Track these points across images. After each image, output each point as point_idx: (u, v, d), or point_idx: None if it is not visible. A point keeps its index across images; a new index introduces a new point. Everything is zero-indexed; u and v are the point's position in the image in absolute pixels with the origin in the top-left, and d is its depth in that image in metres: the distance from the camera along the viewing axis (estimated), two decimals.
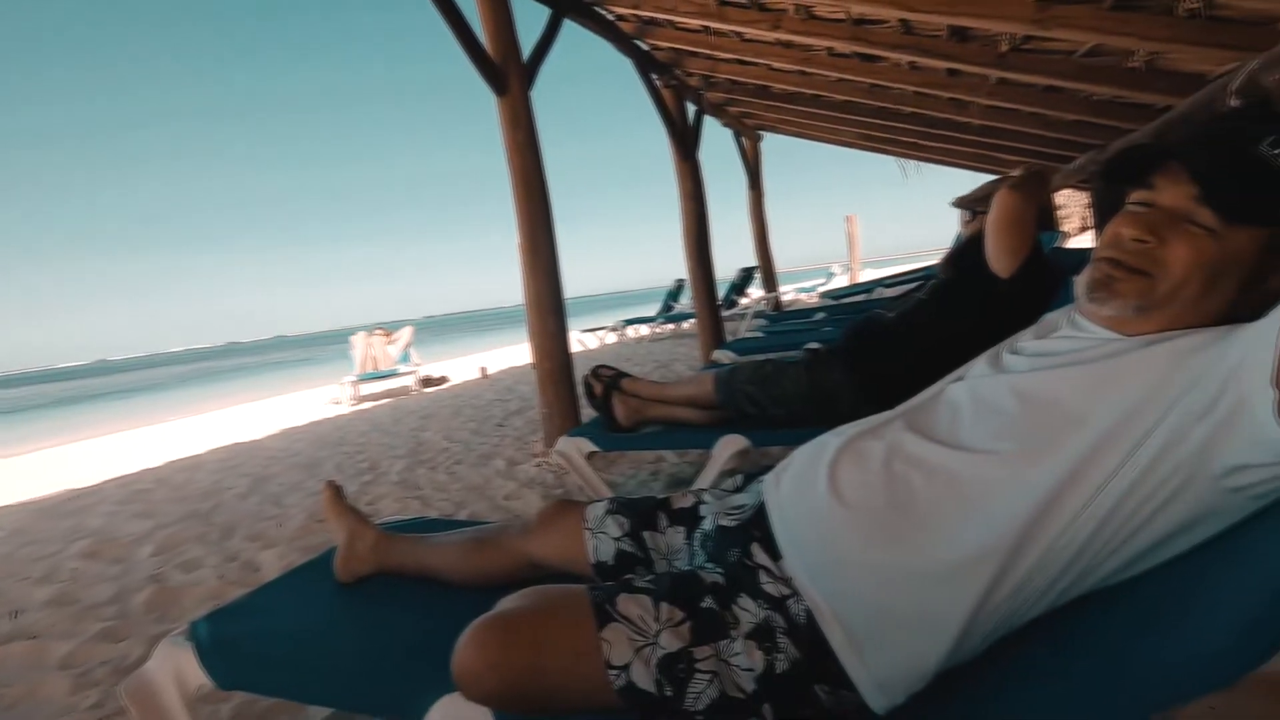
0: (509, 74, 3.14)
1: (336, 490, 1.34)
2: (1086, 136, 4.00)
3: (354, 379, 7.87)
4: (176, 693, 1.02)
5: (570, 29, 3.86)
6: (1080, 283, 0.82)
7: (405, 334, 8.57)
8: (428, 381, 8.42)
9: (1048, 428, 0.71)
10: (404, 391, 8.06)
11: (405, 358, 8.35)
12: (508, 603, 0.80)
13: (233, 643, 1.05)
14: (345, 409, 7.31)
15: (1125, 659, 0.63)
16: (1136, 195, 0.78)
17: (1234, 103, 2.18)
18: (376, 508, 2.87)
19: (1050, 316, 0.90)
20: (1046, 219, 4.32)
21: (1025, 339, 0.88)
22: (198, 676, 1.00)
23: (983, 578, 0.69)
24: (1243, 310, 0.73)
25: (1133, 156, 0.78)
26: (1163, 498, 0.64)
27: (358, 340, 8.34)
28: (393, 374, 8.09)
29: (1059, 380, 0.75)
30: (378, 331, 8.47)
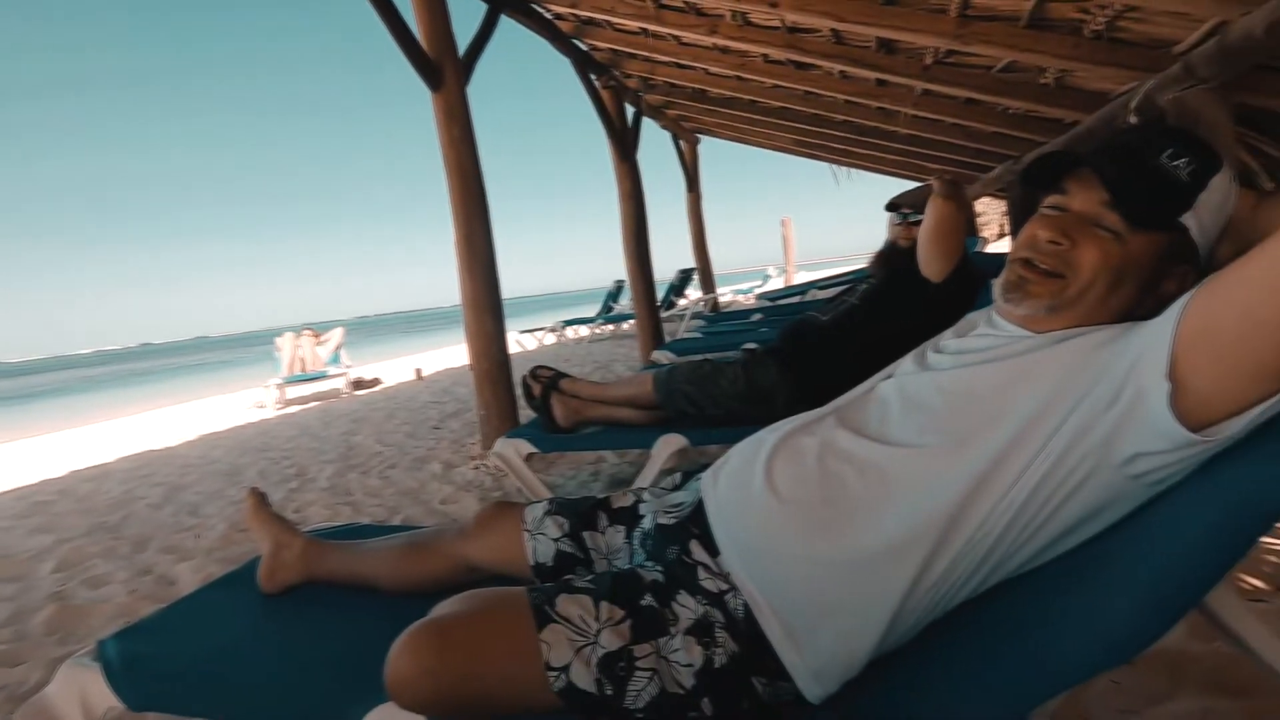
0: (444, 69, 3.08)
1: (260, 497, 1.28)
2: (1003, 148, 4.23)
3: (280, 382, 7.52)
4: (81, 717, 0.95)
5: (509, 26, 3.81)
6: (997, 284, 0.86)
7: (336, 335, 8.25)
8: (359, 384, 8.14)
9: (969, 422, 0.75)
10: (334, 394, 7.77)
11: (335, 359, 8.04)
12: (444, 607, 0.78)
13: (145, 661, 0.99)
14: (270, 413, 6.98)
15: (1041, 640, 0.67)
16: (1050, 200, 0.83)
17: (1133, 119, 2.35)
18: (305, 515, 2.76)
19: (970, 316, 0.94)
20: (967, 225, 4.55)
21: (947, 338, 0.92)
22: (106, 698, 0.93)
23: (911, 565, 0.72)
24: (1141, 310, 0.78)
25: (1048, 163, 0.83)
26: (1072, 485, 0.68)
27: (284, 341, 7.96)
28: (322, 376, 7.77)
29: (978, 377, 0.79)
30: (306, 332, 8.12)
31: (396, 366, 10.49)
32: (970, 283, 1.94)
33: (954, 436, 0.75)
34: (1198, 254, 0.77)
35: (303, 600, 1.16)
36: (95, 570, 2.41)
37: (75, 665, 0.97)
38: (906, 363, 0.91)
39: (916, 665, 0.75)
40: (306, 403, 7.44)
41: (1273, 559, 1.47)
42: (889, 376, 0.92)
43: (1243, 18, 1.68)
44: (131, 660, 0.98)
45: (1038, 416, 0.71)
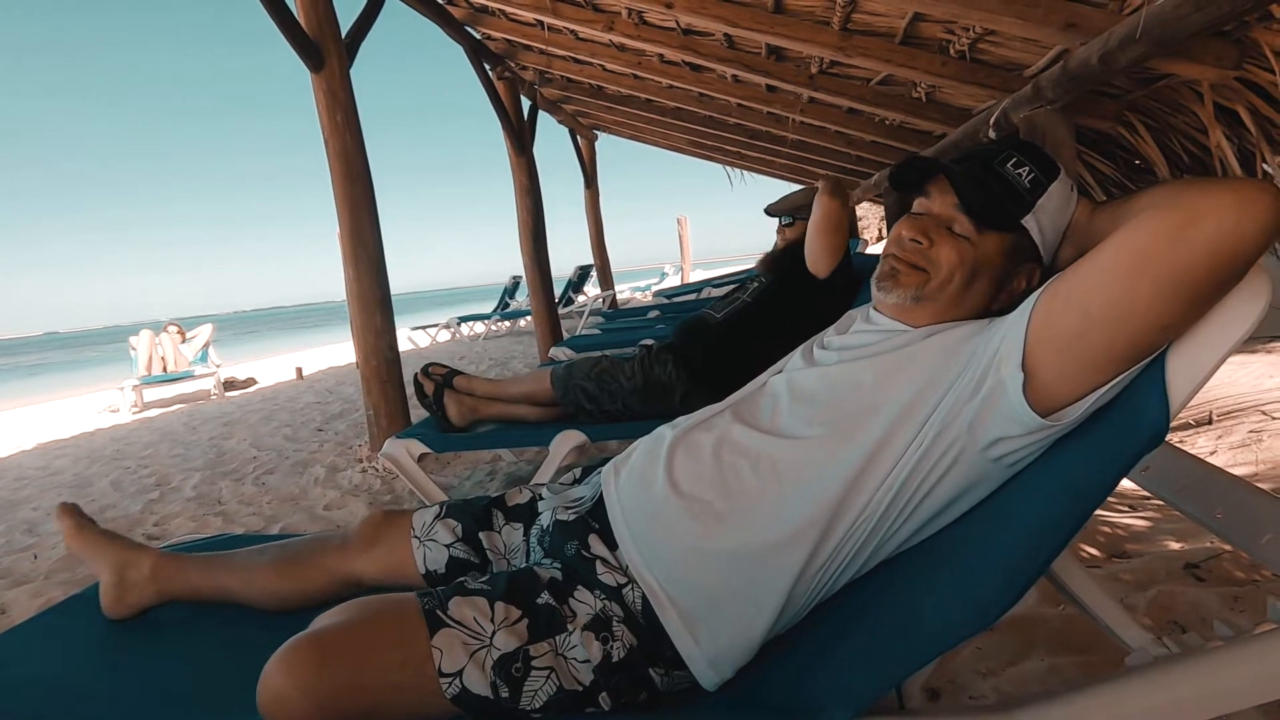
0: (326, 49, 2.90)
1: (76, 514, 1.11)
2: (881, 156, 4.51)
3: (136, 383, 6.81)
4: None
5: (398, 9, 3.65)
6: (874, 277, 0.92)
7: (204, 331, 7.57)
8: (232, 384, 7.53)
9: (851, 415, 0.80)
10: (203, 396, 7.15)
11: (203, 358, 7.38)
12: (325, 619, 0.74)
13: None
14: (125, 418, 6.32)
15: (914, 612, 0.72)
16: (917, 203, 0.90)
17: (991, 134, 2.57)
18: (166, 529, 2.52)
19: (851, 313, 1.00)
20: (851, 227, 4.83)
21: (830, 334, 0.97)
22: None
23: (802, 551, 0.75)
24: (997, 305, 0.87)
25: (910, 168, 0.90)
26: (943, 469, 0.74)
27: (141, 339, 7.21)
28: (187, 376, 7.10)
29: (859, 370, 0.84)
30: (170, 327, 7.38)
31: (276, 365, 9.81)
32: (852, 280, 2.05)
33: (838, 427, 0.79)
34: (1041, 254, 0.85)
35: (159, 622, 1.05)
36: None
37: None
38: (795, 358, 0.95)
39: (803, 645, 0.78)
40: (169, 405, 6.80)
41: (1106, 530, 1.66)
42: (779, 372, 0.95)
43: (1081, 46, 1.88)
44: None
45: (912, 405, 0.76)
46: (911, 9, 2.32)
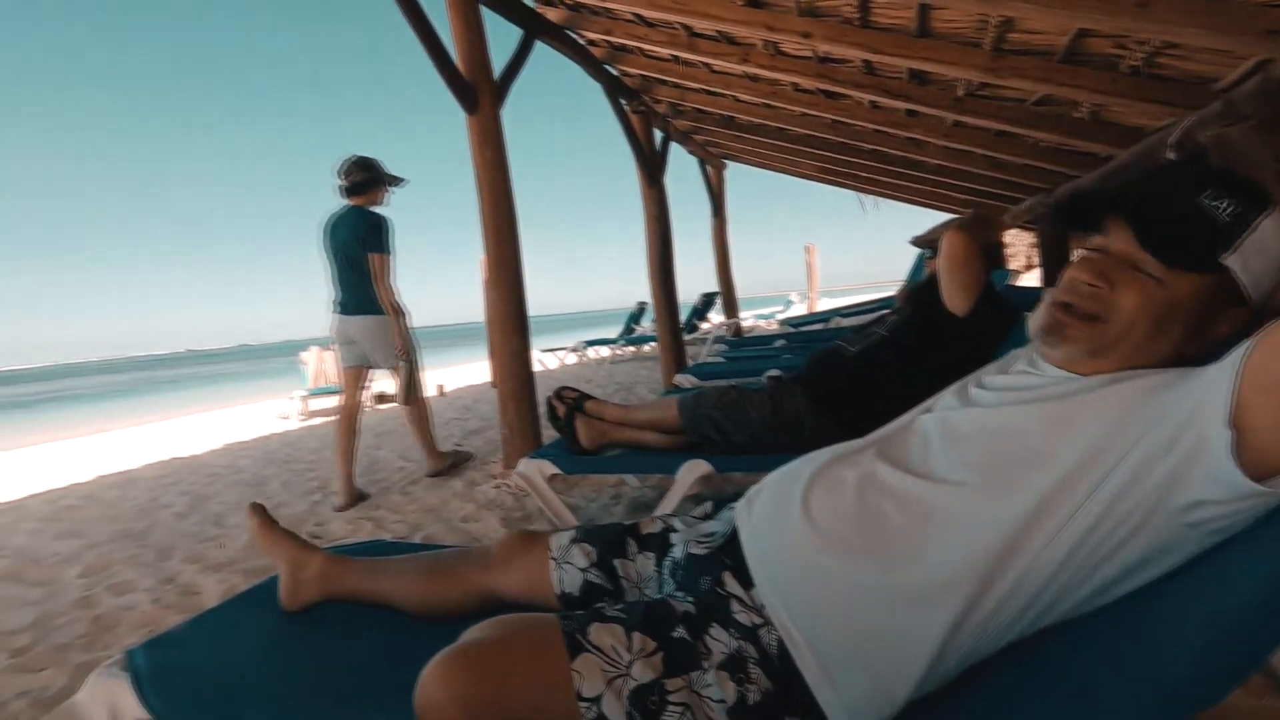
0: (480, 92, 3.14)
1: (263, 514, 1.25)
2: (1034, 180, 4.20)
3: (304, 394, 7.61)
4: None
5: (543, 51, 3.89)
6: (1032, 325, 0.85)
7: None
8: (383, 398, 8.22)
9: (1013, 462, 0.73)
10: None
11: None
12: (474, 632, 0.78)
13: (173, 673, 0.99)
14: (294, 424, 7.07)
15: (1087, 689, 0.65)
16: (1091, 241, 0.81)
17: (1170, 155, 2.32)
18: (327, 529, 2.77)
19: (1015, 352, 0.93)
20: (997, 258, 4.51)
21: (991, 373, 0.90)
22: (134, 709, 0.93)
23: (953, 605, 0.70)
24: (1191, 354, 0.76)
25: (1085, 203, 0.81)
26: (1125, 533, 0.66)
27: (310, 354, 8.08)
28: None
29: (1024, 416, 0.78)
30: (334, 346, 8.23)
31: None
32: (998, 317, 1.91)
33: (998, 476, 0.73)
34: (1248, 297, 0.75)
35: (325, 619, 1.16)
36: (120, 577, 2.44)
37: (105, 675, 0.98)
38: (947, 396, 0.90)
39: (957, 710, 0.73)
40: (330, 415, 7.52)
41: None
42: (928, 410, 0.90)
43: None
44: (159, 672, 0.98)
45: (1087, 460, 0.69)
46: (1076, 25, 2.16)
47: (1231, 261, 0.73)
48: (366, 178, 3.19)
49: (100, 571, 2.54)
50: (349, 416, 3.23)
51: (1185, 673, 0.58)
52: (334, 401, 8.01)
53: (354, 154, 3.24)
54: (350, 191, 3.19)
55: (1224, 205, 0.73)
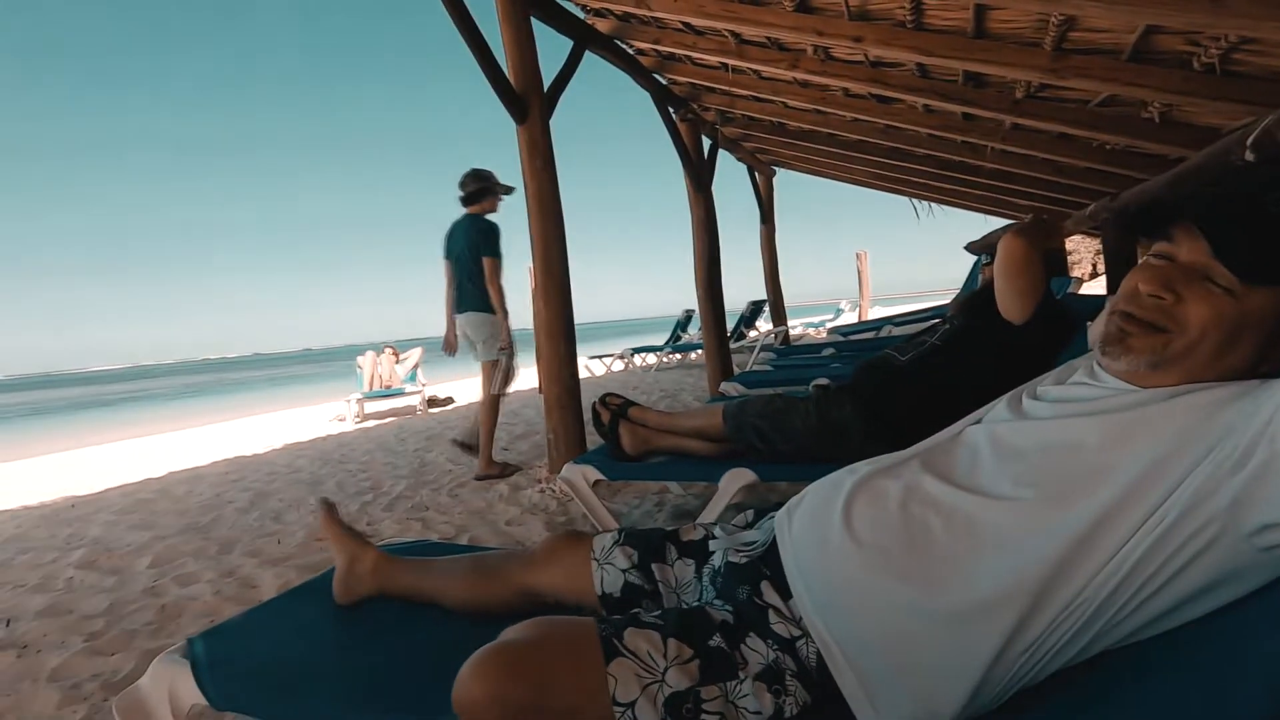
0: (530, 102, 3.20)
1: (330, 509, 1.32)
2: (1098, 184, 4.03)
3: (360, 396, 7.87)
4: (170, 711, 1.00)
5: (591, 60, 3.94)
6: (1094, 335, 0.80)
7: (415, 354, 8.59)
8: (433, 402, 8.41)
9: (1070, 476, 0.70)
10: (409, 411, 8.06)
11: (412, 377, 8.37)
12: (512, 632, 0.79)
13: (230, 662, 1.04)
14: (349, 426, 7.30)
15: None
16: (1157, 248, 0.76)
17: (1249, 157, 2.19)
18: (377, 529, 2.85)
19: (1073, 363, 0.89)
20: (1058, 265, 4.33)
21: (1046, 384, 0.86)
22: (192, 695, 0.98)
23: (1002, 626, 0.67)
24: (1265, 369, 0.72)
25: (1152, 210, 0.77)
26: (1190, 553, 0.62)
27: (366, 359, 8.36)
28: (399, 393, 8.09)
29: (1081, 428, 0.74)
30: (387, 350, 8.50)
31: (468, 386, 10.79)
32: (1056, 326, 1.84)
33: (1051, 491, 0.70)
34: None
35: (375, 614, 1.20)
36: (186, 568, 2.56)
37: (167, 661, 1.03)
38: (1000, 408, 0.86)
39: None
40: (383, 418, 7.75)
41: None
42: (978, 421, 0.87)
43: None
44: (217, 660, 1.03)
45: (1149, 476, 0.65)
46: (1143, 22, 2.07)
47: None
48: (479, 188, 3.53)
49: (168, 562, 2.67)
50: (489, 400, 3.60)
51: (1258, 710, 0.55)
52: (386, 405, 8.30)
53: (471, 167, 3.62)
54: (466, 201, 3.55)
55: None
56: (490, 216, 3.57)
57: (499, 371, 3.56)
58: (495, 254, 3.47)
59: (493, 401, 3.58)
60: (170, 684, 1.00)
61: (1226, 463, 0.62)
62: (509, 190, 3.60)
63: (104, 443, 9.20)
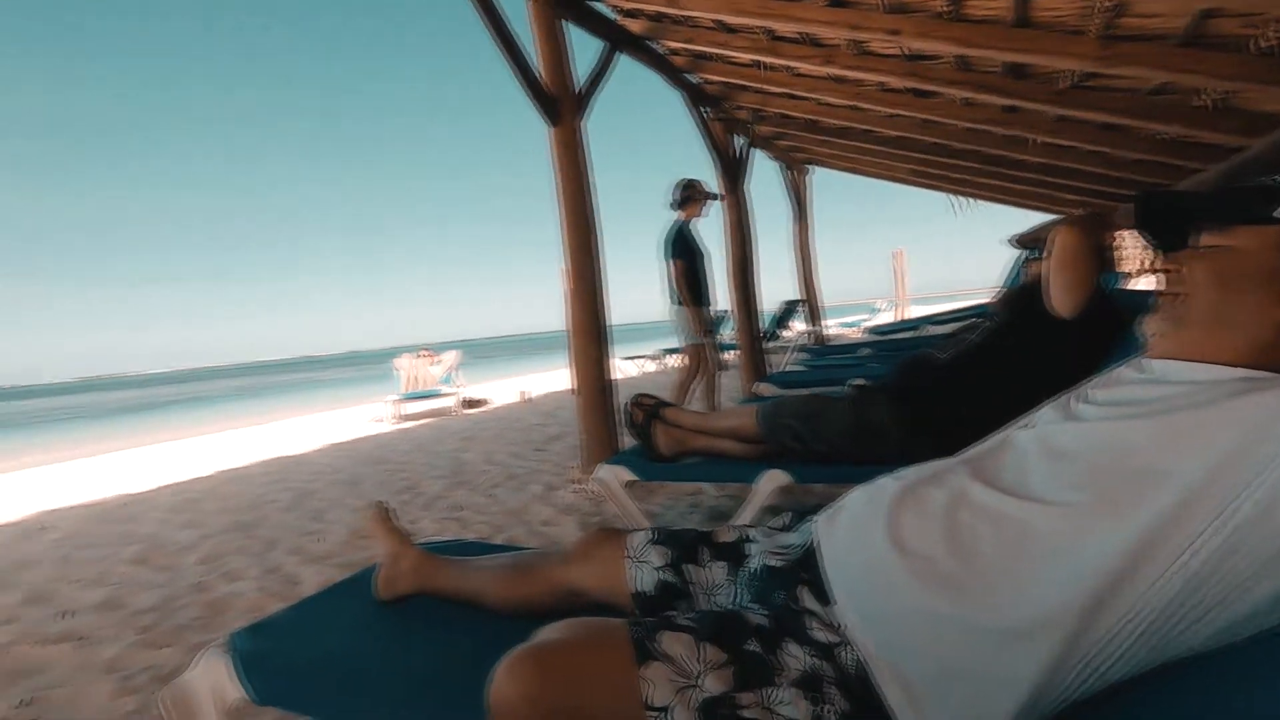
0: (562, 104, 3.22)
1: (381, 507, 1.37)
2: (1151, 175, 3.88)
3: (397, 398, 8.02)
4: (213, 704, 1.02)
5: (624, 61, 3.94)
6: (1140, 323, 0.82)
7: (451, 356, 8.73)
8: (469, 403, 8.52)
9: (1125, 481, 0.67)
10: (446, 412, 8.18)
11: (448, 379, 8.49)
12: (546, 633, 0.78)
13: (271, 657, 1.05)
14: (387, 427, 7.44)
15: None
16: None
17: None
18: (416, 527, 2.89)
19: (1124, 367, 0.85)
20: (1108, 259, 4.18)
21: (1096, 387, 0.83)
22: (236, 689, 1.00)
23: (1056, 639, 0.64)
24: None
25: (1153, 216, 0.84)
26: (1260, 561, 0.59)
27: (403, 361, 8.53)
28: (435, 394, 8.22)
29: (1131, 430, 0.71)
30: (423, 353, 8.66)
31: (503, 388, 10.91)
32: (1106, 320, 1.77)
33: (1106, 496, 0.67)
34: None
35: (415, 611, 1.21)
36: (231, 565, 2.63)
37: (212, 655, 1.05)
38: (1047, 411, 0.83)
39: None
40: (420, 419, 7.87)
41: None
42: (1026, 426, 0.84)
43: None
44: (259, 656, 1.05)
45: (1212, 480, 0.62)
46: (1197, 5, 1.98)
47: None
48: (683, 196, 4.16)
49: (215, 560, 2.75)
50: (708, 377, 4.35)
51: None
52: (423, 406, 8.44)
53: (683, 176, 4.23)
54: (674, 207, 4.19)
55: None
56: (690, 221, 4.17)
57: (707, 353, 4.26)
58: (678, 256, 4.09)
59: (708, 376, 4.28)
60: (214, 678, 1.02)
61: None
62: (714, 196, 4.23)
63: (156, 443, 9.55)
